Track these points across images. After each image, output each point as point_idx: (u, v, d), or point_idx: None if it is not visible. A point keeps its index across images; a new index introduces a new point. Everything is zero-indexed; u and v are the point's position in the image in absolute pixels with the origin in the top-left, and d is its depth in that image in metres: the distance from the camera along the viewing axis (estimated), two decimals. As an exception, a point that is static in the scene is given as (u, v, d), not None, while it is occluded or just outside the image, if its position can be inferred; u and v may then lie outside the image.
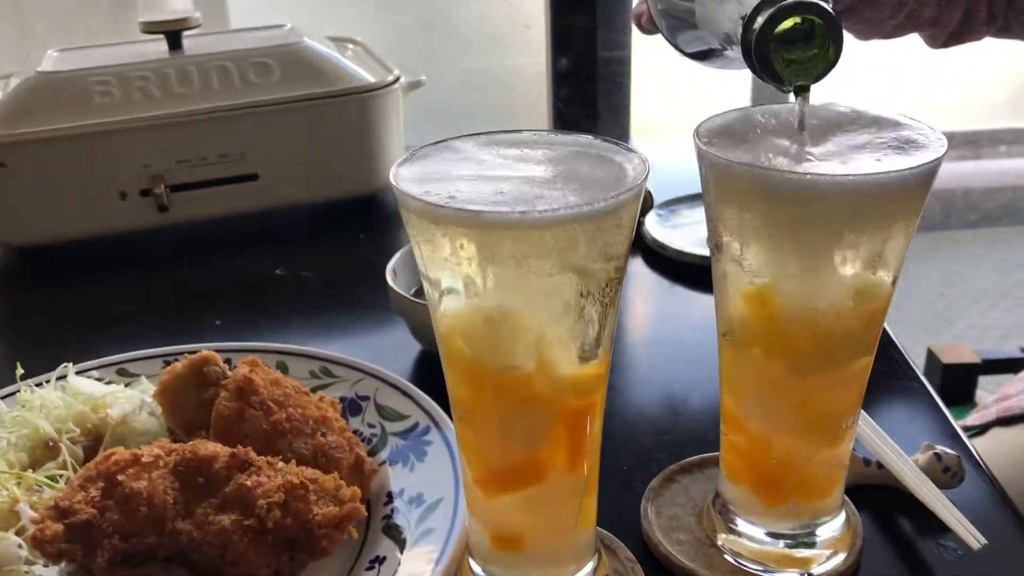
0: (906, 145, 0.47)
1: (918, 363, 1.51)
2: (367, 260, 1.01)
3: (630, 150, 0.48)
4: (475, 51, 1.76)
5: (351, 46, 1.28)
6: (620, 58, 1.63)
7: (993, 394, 1.12)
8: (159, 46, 1.13)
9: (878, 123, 0.50)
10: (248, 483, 0.53)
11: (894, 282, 0.51)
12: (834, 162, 0.46)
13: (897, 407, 0.76)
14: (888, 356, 0.82)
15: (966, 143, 3.05)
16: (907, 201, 0.47)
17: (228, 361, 0.68)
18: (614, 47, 1.63)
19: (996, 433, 1.00)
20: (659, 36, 0.73)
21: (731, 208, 0.49)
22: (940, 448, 0.64)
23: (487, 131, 0.50)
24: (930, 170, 0.46)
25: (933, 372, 1.44)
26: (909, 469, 0.63)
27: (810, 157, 0.47)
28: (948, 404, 1.03)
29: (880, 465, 0.64)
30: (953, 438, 0.69)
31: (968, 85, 2.71)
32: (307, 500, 0.54)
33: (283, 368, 0.74)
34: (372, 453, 0.65)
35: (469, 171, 0.47)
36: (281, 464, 0.56)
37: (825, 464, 0.55)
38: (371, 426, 0.68)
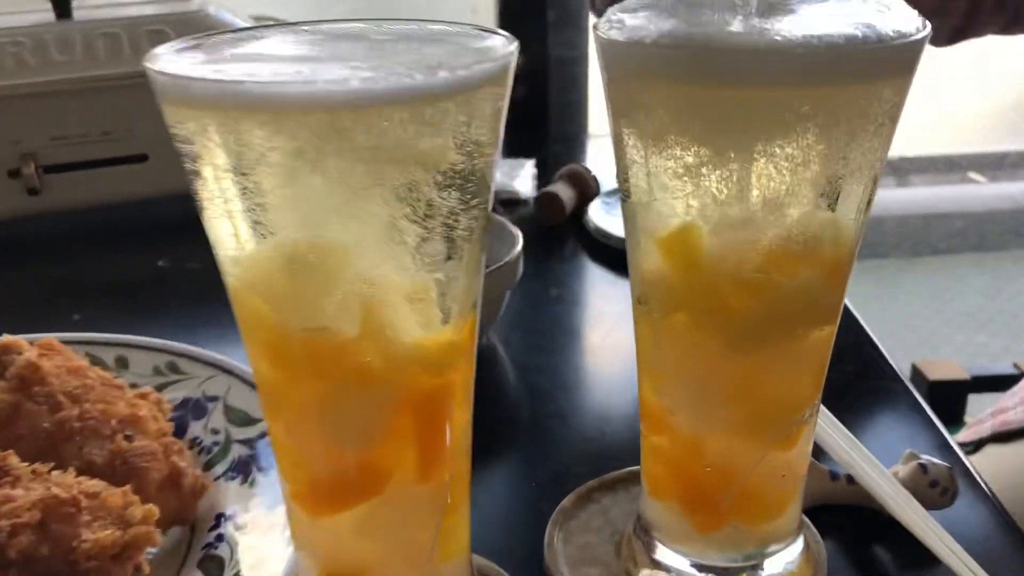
0: (879, 21, 0.34)
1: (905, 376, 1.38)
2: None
3: (496, 32, 0.35)
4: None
5: (271, 23, 1.15)
6: (575, 55, 1.52)
7: (987, 408, 0.99)
8: (46, 15, 1.00)
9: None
10: (-6, 497, 0.39)
11: (861, 224, 0.38)
12: (783, 31, 0.33)
13: (873, 412, 0.62)
14: (861, 354, 0.69)
15: (948, 167, 2.98)
16: (880, 93, 0.33)
17: (48, 353, 0.54)
18: (569, 46, 1.52)
19: (991, 450, 0.87)
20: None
21: (638, 113, 0.36)
22: (926, 458, 0.51)
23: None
24: (911, 50, 0.33)
25: (918, 390, 1.31)
26: (887, 484, 0.49)
27: (750, 28, 0.34)
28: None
29: (851, 479, 0.50)
30: (942, 448, 0.56)
31: (948, 107, 2.63)
32: (74, 521, 0.40)
33: (123, 363, 0.60)
34: (210, 465, 0.52)
35: (265, 53, 0.33)
36: (55, 474, 0.42)
37: (775, 472, 0.41)
38: (215, 432, 0.54)
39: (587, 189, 0.95)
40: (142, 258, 0.89)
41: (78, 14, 0.99)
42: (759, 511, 0.42)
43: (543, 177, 1.03)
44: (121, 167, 0.93)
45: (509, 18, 1.49)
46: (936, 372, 1.31)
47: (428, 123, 0.30)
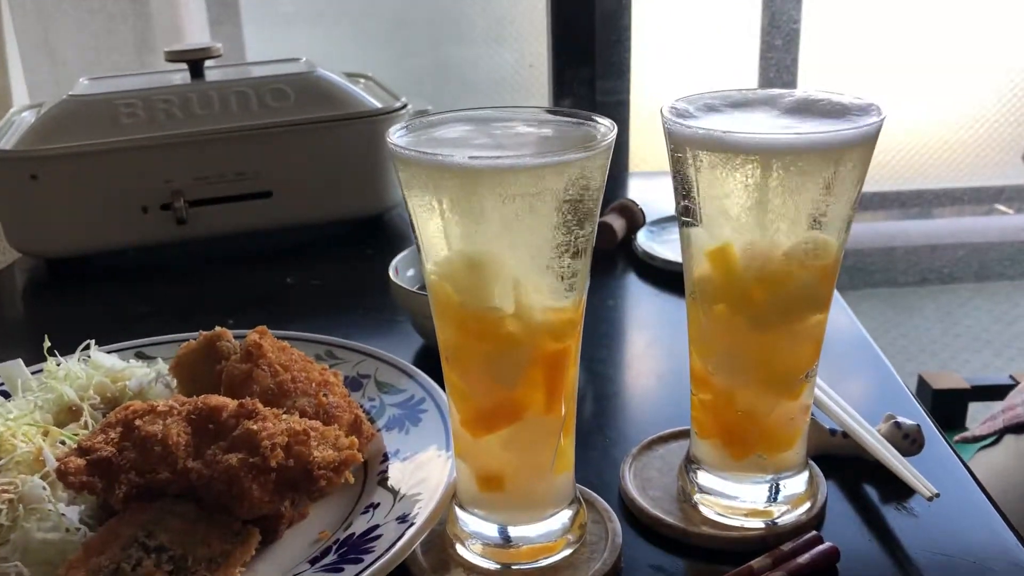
0: (845, 116, 0.53)
1: (910, 390, 1.54)
2: (373, 272, 1.06)
3: (598, 119, 0.53)
4: (482, 94, 1.85)
5: (363, 80, 1.36)
6: (619, 101, 1.71)
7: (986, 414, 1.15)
8: (182, 75, 1.20)
9: (828, 102, 0.56)
10: (254, 427, 0.58)
11: (841, 245, 0.56)
12: (778, 127, 0.52)
13: (866, 389, 0.80)
14: (864, 358, 0.87)
15: (974, 199, 3.09)
16: (845, 161, 0.52)
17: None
18: (613, 92, 1.71)
19: (1009, 442, 1.02)
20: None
21: (691, 172, 0.55)
22: (901, 418, 0.68)
23: (471, 108, 0.56)
24: (865, 135, 0.52)
25: (924, 398, 1.47)
26: (872, 437, 0.67)
27: (760, 124, 0.53)
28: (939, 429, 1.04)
29: (845, 435, 0.68)
30: (913, 410, 0.74)
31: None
32: (308, 444, 0.58)
33: (291, 351, 0.79)
34: (372, 421, 0.70)
35: (454, 135, 0.53)
36: (285, 416, 0.61)
37: (786, 416, 0.60)
38: (371, 399, 0.73)
39: (635, 219, 1.13)
40: (273, 277, 1.09)
41: (209, 74, 1.20)
42: (775, 445, 0.60)
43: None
44: (251, 201, 1.13)
45: (560, 69, 1.69)
46: (940, 382, 1.47)
47: (562, 179, 0.49)
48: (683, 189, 0.56)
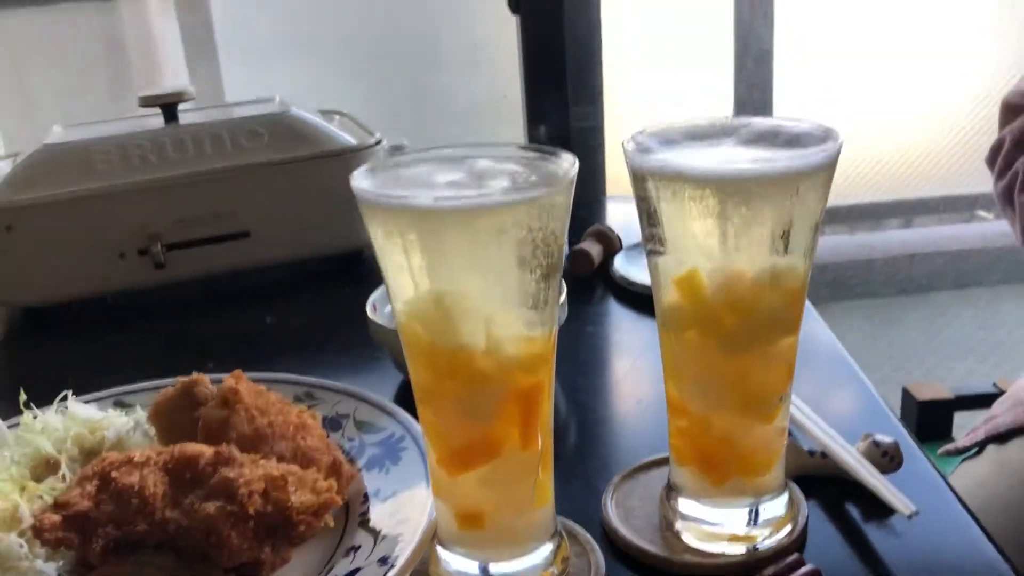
0: (803, 145, 0.53)
1: (894, 403, 1.55)
2: (352, 308, 1.05)
3: (561, 154, 0.54)
4: (459, 123, 1.86)
5: (337, 116, 1.36)
6: (592, 127, 1.72)
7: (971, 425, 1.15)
8: (156, 119, 1.21)
9: (787, 131, 0.56)
10: (231, 474, 0.58)
11: (807, 268, 0.57)
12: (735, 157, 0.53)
13: (844, 407, 0.80)
14: (841, 371, 0.87)
15: (950, 208, 3.12)
16: (801, 189, 0.53)
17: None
18: (586, 118, 1.72)
19: (991, 452, 1.02)
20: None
21: (654, 204, 0.55)
22: (879, 436, 0.68)
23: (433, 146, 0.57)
24: (824, 163, 0.52)
25: (909, 410, 1.48)
26: (850, 455, 0.67)
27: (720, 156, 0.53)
28: (925, 440, 1.06)
29: (824, 454, 0.68)
30: (891, 426, 0.74)
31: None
32: (286, 490, 0.58)
33: (270, 394, 0.79)
34: (350, 462, 0.70)
35: (417, 176, 0.53)
36: (263, 461, 0.61)
37: (763, 439, 0.60)
38: (350, 439, 0.73)
39: (611, 245, 1.14)
40: (253, 316, 1.09)
41: (183, 117, 1.20)
42: (753, 469, 0.60)
43: (570, 236, 1.23)
44: (229, 243, 1.13)
45: (534, 96, 1.69)
46: (924, 394, 1.48)
47: (527, 215, 0.50)
48: (647, 220, 0.57)
